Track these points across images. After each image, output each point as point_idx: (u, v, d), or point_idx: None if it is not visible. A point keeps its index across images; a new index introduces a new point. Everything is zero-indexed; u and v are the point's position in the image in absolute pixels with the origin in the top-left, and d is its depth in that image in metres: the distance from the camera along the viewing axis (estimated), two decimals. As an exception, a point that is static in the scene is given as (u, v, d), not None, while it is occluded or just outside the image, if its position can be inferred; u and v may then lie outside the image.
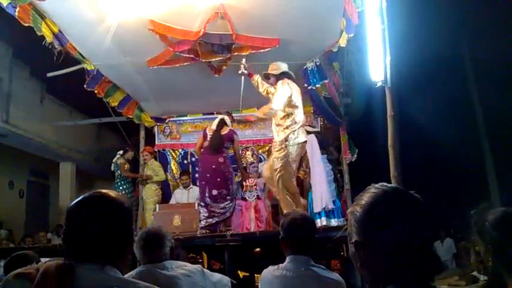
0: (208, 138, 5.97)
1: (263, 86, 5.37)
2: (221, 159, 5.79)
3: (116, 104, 7.20)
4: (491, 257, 1.50)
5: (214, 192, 5.70)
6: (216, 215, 5.76)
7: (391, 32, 4.30)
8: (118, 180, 7.58)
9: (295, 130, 4.96)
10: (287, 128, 4.96)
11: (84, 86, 6.25)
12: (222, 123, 6.01)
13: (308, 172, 6.54)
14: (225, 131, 5.95)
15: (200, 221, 5.76)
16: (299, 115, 5.04)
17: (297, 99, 5.04)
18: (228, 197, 5.78)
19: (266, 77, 5.29)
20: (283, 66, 5.22)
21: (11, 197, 10.24)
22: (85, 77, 6.17)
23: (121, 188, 7.48)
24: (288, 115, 4.98)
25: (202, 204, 5.80)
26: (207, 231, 5.65)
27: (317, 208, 5.98)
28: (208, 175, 5.84)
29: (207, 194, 5.74)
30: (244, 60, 5.46)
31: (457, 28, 10.93)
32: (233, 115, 6.60)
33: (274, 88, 5.11)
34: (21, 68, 8.62)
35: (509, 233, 1.47)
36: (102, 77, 6.54)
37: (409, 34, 8.18)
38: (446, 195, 10.00)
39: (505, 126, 10.40)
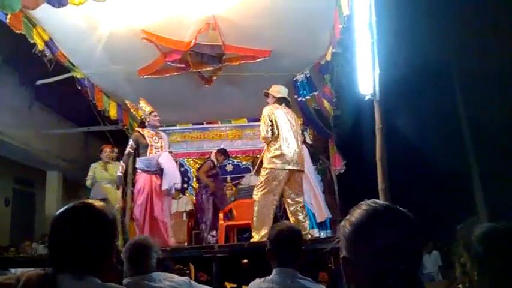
0: None
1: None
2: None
3: (115, 115, 7.13)
4: (477, 271, 1.52)
5: None
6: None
7: (379, 45, 4.35)
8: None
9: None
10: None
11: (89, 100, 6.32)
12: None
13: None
14: None
15: None
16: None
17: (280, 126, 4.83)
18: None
19: (266, 95, 5.15)
20: (283, 91, 5.10)
21: (-4, 206, 10.06)
22: (74, 85, 6.11)
23: None
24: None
25: None
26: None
27: (320, 218, 5.89)
28: None
29: None
30: None
31: (444, 42, 11.13)
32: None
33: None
34: (9, 74, 8.51)
35: (494, 248, 1.48)
36: (94, 87, 6.48)
37: (398, 47, 8.29)
38: (434, 206, 10.07)
39: (491, 137, 10.56)
